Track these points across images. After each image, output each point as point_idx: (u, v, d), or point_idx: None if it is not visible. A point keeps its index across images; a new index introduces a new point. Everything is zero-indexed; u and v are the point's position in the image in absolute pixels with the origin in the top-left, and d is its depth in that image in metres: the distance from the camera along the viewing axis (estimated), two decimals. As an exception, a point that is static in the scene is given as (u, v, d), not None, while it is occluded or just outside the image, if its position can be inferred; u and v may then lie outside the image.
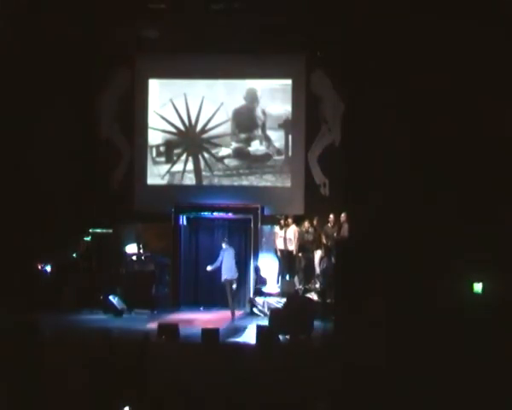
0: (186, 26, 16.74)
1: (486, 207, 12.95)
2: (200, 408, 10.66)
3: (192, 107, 17.88)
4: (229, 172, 17.84)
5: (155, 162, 18.06)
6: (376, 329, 12.10)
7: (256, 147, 17.77)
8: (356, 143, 16.41)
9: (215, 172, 17.87)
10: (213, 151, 17.88)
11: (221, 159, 17.86)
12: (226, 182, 17.86)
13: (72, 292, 16.11)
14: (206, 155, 17.91)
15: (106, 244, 16.75)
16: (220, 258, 15.88)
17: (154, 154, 18.07)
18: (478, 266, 12.34)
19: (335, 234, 16.20)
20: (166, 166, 18.02)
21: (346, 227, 16.08)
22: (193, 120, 17.94)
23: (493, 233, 12.56)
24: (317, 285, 16.26)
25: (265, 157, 17.72)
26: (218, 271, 15.97)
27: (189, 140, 18.00)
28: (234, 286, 16.11)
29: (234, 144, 17.84)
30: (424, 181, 13.78)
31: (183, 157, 17.97)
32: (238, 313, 16.22)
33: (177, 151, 18.03)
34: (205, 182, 17.95)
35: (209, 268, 16.05)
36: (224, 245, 16.11)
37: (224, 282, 15.91)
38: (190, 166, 17.95)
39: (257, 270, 17.05)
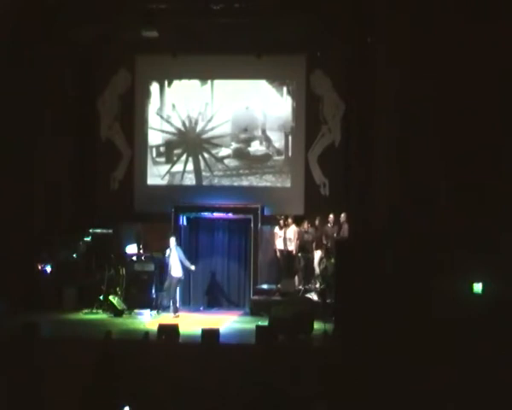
0: (186, 27, 16.72)
1: (487, 207, 12.94)
2: (200, 408, 10.67)
3: (192, 107, 17.88)
4: (229, 172, 17.83)
5: (155, 162, 18.05)
6: (376, 329, 12.11)
7: (256, 147, 17.76)
8: (356, 144, 16.43)
9: (215, 173, 17.86)
10: (213, 151, 17.87)
11: (221, 159, 17.85)
12: (226, 182, 17.84)
13: (73, 292, 16.11)
14: (206, 155, 17.90)
15: (106, 244, 16.72)
16: (182, 255, 15.78)
17: (154, 154, 18.07)
18: (478, 266, 12.34)
19: (335, 234, 16.20)
20: (166, 167, 18.01)
21: (346, 227, 16.08)
22: (193, 121, 17.93)
23: (493, 233, 12.56)
24: (317, 285, 16.25)
25: (265, 157, 17.71)
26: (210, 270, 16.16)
27: (189, 140, 17.99)
28: None
29: (234, 145, 17.82)
30: (424, 180, 13.77)
31: (183, 157, 17.96)
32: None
33: (177, 151, 18.01)
34: (205, 182, 17.93)
35: (193, 268, 16.06)
36: (174, 243, 15.85)
37: (179, 279, 15.82)
38: (190, 166, 17.94)
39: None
